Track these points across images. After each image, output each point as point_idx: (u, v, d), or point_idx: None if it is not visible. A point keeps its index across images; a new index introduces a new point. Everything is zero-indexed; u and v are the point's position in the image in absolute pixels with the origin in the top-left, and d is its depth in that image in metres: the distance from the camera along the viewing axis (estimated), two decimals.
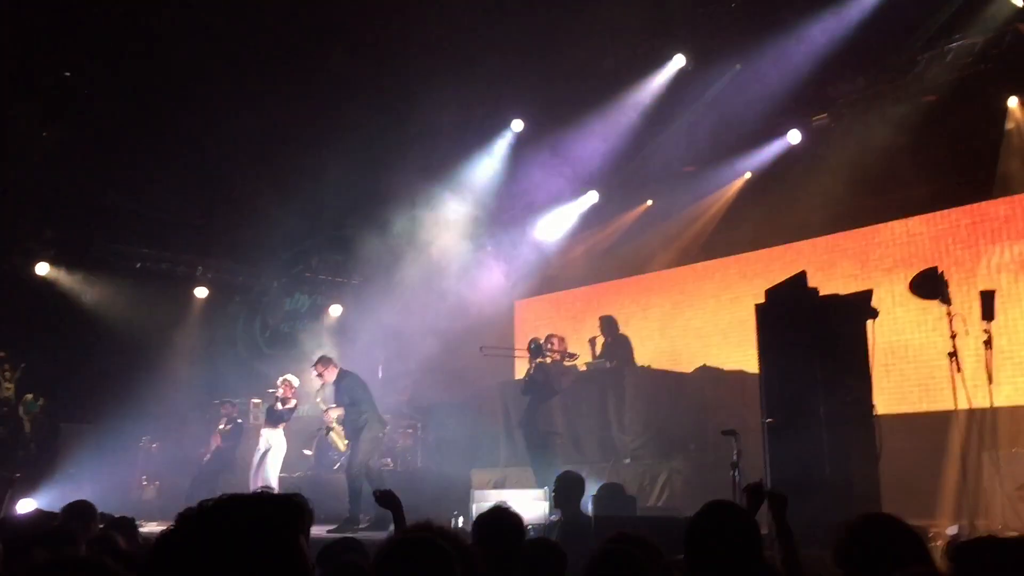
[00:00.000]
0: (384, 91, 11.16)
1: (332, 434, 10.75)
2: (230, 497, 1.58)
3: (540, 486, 8.62)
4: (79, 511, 5.43)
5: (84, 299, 13.53)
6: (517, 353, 11.39)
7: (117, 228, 13.30)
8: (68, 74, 11.42)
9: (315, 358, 10.17)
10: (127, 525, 5.10)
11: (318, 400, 10.61)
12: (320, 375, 9.94)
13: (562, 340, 10.02)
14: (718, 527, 3.02)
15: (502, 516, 3.92)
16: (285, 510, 1.56)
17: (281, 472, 10.98)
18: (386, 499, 4.48)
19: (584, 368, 11.10)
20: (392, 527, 4.69)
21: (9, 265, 12.85)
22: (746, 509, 3.09)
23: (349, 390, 9.74)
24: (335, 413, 10.01)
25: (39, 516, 5.35)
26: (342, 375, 9.85)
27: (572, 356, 9.91)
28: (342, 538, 4.51)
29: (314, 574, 1.56)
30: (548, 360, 9.67)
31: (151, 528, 9.11)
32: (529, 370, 9.76)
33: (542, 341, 9.90)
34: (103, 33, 10.80)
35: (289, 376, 11.13)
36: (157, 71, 11.04)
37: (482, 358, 11.14)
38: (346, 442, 10.31)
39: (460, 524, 8.52)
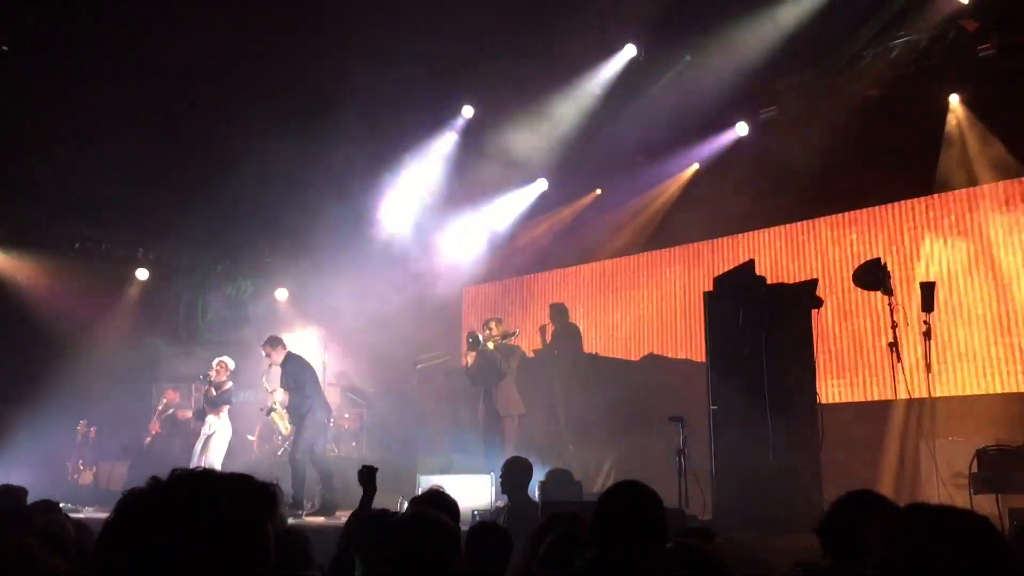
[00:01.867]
0: (332, 72, 10.98)
1: (274, 415, 10.63)
2: (183, 474, 1.51)
3: (490, 470, 8.62)
4: (8, 494, 5.27)
5: (18, 278, 13.15)
6: (447, 354, 11.35)
7: (55, 206, 12.93)
8: (5, 48, 11.07)
9: (264, 338, 10.05)
10: (50, 510, 4.93)
11: (264, 381, 10.48)
12: (268, 355, 9.85)
13: (500, 322, 10.04)
14: (623, 504, 3.05)
15: (438, 500, 3.93)
16: (250, 494, 1.51)
17: (225, 458, 10.79)
18: (367, 477, 4.69)
19: (532, 355, 11.12)
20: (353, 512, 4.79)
21: None
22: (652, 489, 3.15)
23: (295, 373, 9.65)
24: (280, 395, 9.95)
25: None
26: (289, 357, 9.75)
27: (512, 334, 9.91)
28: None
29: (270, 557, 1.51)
30: (490, 345, 9.66)
31: (87, 514, 8.93)
32: (471, 360, 9.75)
33: (479, 329, 9.95)
34: (42, 4, 10.49)
35: (224, 358, 10.87)
36: (93, 43, 10.75)
37: (431, 343, 11.07)
38: (288, 425, 10.23)
39: (405, 508, 8.47)
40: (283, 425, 10.63)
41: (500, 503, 7.29)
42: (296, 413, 9.67)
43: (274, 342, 9.86)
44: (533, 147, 12.60)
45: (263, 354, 9.95)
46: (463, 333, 13.63)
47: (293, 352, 9.83)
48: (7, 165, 11.99)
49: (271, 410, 10.59)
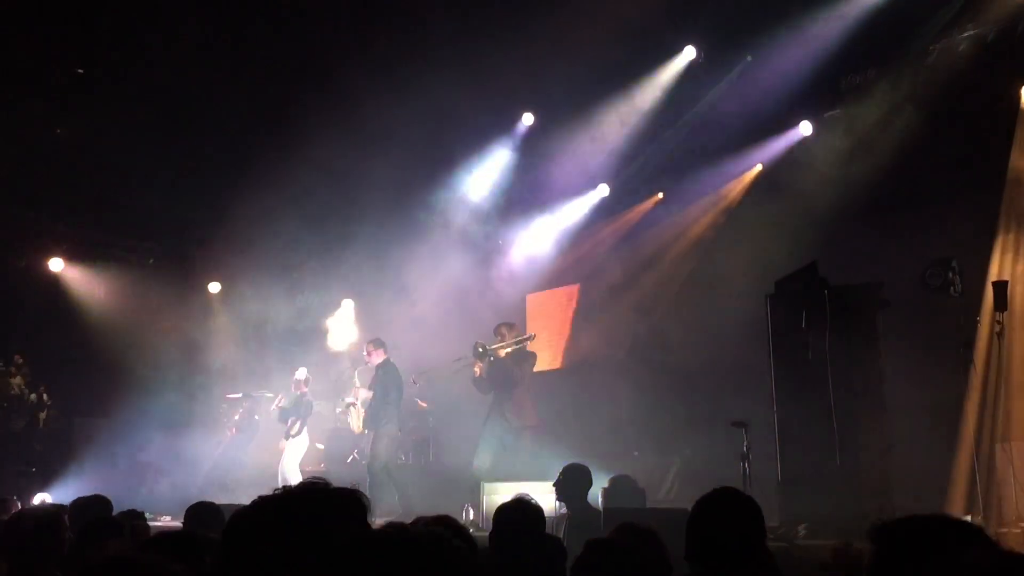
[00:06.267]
0: (392, 80, 11.15)
1: (352, 410, 10.86)
2: (307, 486, 1.68)
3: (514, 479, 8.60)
4: (97, 504, 5.48)
5: (97, 294, 13.61)
6: (458, 363, 11.00)
7: (130, 223, 13.36)
8: (81, 71, 11.48)
9: (369, 339, 10.35)
10: (136, 518, 5.13)
11: (355, 376, 10.69)
12: (368, 354, 10.15)
13: (512, 327, 9.87)
14: (722, 514, 2.98)
15: (524, 507, 3.95)
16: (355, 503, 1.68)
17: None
18: None
19: (594, 362, 11.11)
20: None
21: (23, 261, 12.94)
22: (750, 496, 3.05)
23: (385, 379, 9.89)
24: (364, 394, 10.19)
25: (51, 509, 5.38)
26: (386, 363, 9.98)
27: (527, 338, 9.72)
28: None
29: None
30: (502, 353, 9.53)
31: (164, 522, 9.19)
32: (479, 371, 9.60)
33: (490, 338, 9.72)
34: (115, 28, 10.87)
35: (299, 370, 11.28)
36: (164, 64, 11.09)
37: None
38: (360, 425, 10.46)
39: (471, 516, 8.55)
40: (355, 423, 10.87)
41: (564, 511, 7.29)
42: (374, 418, 9.88)
43: (377, 343, 10.16)
44: (593, 153, 12.60)
45: (364, 351, 10.19)
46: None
47: (390, 360, 10.05)
48: (85, 183, 12.44)
49: (351, 404, 10.82)
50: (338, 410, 12.97)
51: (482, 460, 9.20)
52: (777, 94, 11.07)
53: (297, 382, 11.14)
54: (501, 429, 9.26)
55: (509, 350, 9.49)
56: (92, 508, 5.37)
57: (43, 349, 12.49)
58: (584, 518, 6.16)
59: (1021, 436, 8.22)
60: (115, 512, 5.31)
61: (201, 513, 4.86)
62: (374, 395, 9.97)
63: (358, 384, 10.61)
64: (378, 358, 10.03)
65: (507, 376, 9.33)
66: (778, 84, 10.99)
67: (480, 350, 9.61)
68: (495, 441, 9.26)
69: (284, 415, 11.12)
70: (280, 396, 11.24)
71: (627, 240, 13.80)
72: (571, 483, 6.56)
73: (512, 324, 9.90)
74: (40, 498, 9.72)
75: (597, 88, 11.99)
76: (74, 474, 11.06)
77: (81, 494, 5.80)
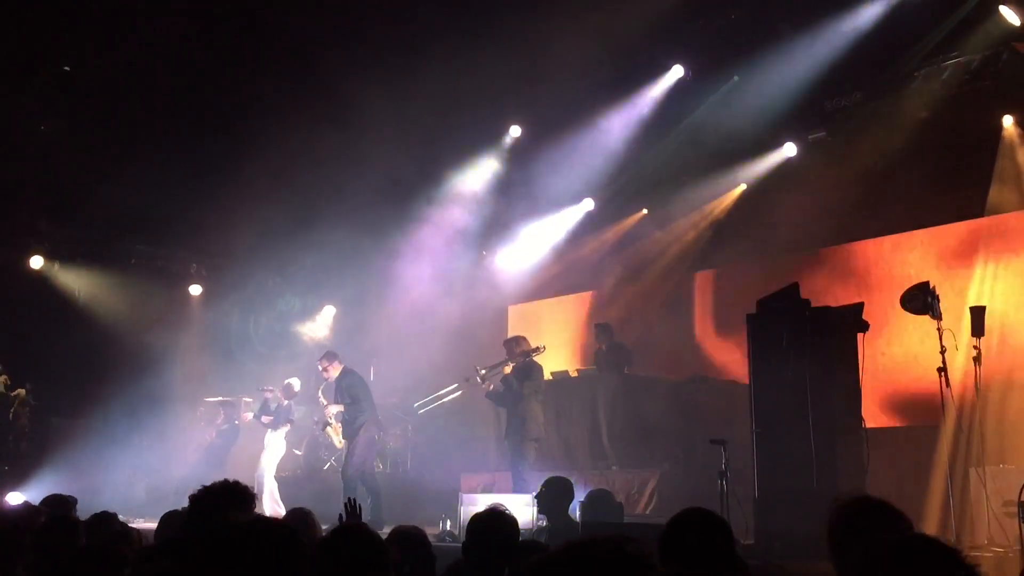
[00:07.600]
0: (381, 93, 11.16)
1: (329, 429, 10.81)
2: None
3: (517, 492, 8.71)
4: (58, 503, 5.47)
5: (78, 293, 13.52)
6: (448, 391, 11.17)
7: (112, 223, 13.28)
8: (67, 68, 11.43)
9: (321, 354, 10.26)
10: (111, 520, 5.11)
11: (320, 394, 10.65)
12: (324, 369, 10.10)
13: (518, 341, 9.84)
14: (692, 531, 3.04)
15: (497, 518, 3.96)
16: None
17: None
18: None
19: (576, 375, 11.13)
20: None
21: (3, 258, 12.83)
22: (720, 516, 3.16)
23: (351, 388, 9.90)
24: (334, 409, 10.13)
25: (26, 509, 5.35)
26: (345, 373, 9.99)
27: (536, 351, 9.73)
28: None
29: None
30: (507, 369, 9.59)
31: (138, 525, 9.11)
32: (493, 386, 9.72)
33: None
34: (102, 26, 10.83)
35: (292, 379, 11.25)
36: (148, 65, 11.06)
37: (474, 361, 11.13)
38: (342, 439, 10.41)
39: (448, 527, 8.54)
40: (337, 439, 10.82)
41: (542, 523, 7.31)
42: (350, 427, 9.87)
43: (331, 356, 10.13)
44: (579, 167, 12.64)
45: (320, 368, 10.17)
46: None
47: (348, 367, 10.04)
48: (67, 183, 12.36)
49: (327, 424, 10.78)
50: (315, 421, 12.93)
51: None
52: (762, 115, 11.17)
53: (288, 390, 11.11)
54: (509, 443, 9.44)
55: (509, 367, 9.54)
56: (56, 507, 5.35)
57: (21, 347, 12.38)
58: (564, 531, 6.17)
59: (995, 460, 8.30)
60: (93, 513, 5.30)
61: (173, 522, 4.84)
62: (345, 406, 9.95)
63: (324, 401, 10.51)
64: (335, 370, 9.99)
65: (511, 391, 9.44)
66: (763, 105, 11.09)
67: (467, 379, 9.82)
68: (509, 454, 9.46)
69: (264, 410, 11.10)
70: (275, 391, 11.21)
71: (611, 254, 13.87)
72: (553, 496, 6.57)
73: (519, 339, 9.85)
74: (12, 496, 9.63)
75: (585, 103, 12.04)
76: (50, 474, 10.96)
77: (56, 493, 5.79)
